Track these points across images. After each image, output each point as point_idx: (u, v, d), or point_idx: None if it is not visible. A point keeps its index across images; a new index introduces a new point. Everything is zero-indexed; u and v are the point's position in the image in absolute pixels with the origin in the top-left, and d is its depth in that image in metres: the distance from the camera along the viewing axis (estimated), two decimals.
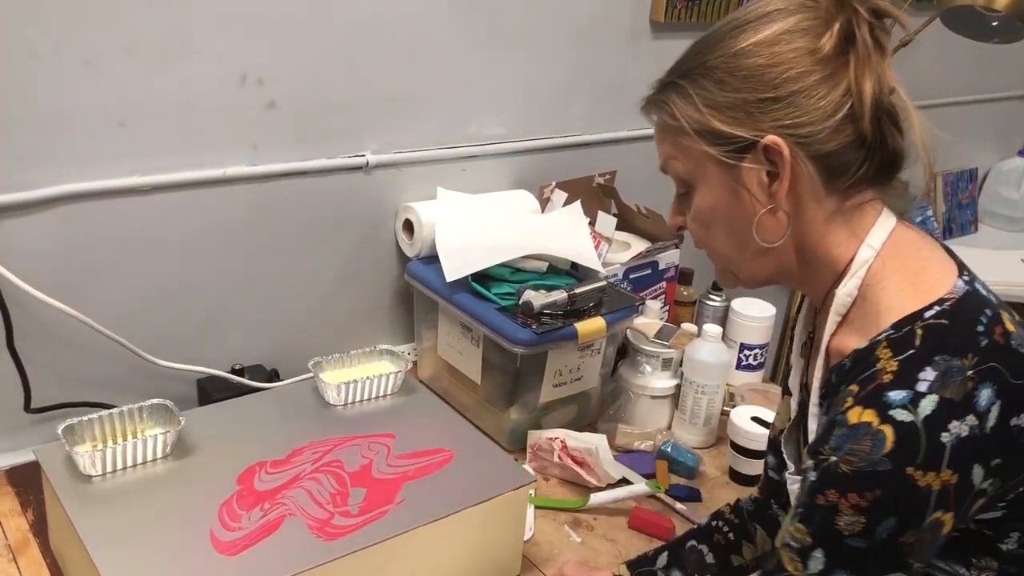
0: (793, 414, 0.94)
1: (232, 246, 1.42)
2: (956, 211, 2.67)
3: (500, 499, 1.11)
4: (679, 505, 1.31)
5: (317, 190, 1.47)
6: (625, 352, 1.54)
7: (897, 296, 0.75)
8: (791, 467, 0.93)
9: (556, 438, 1.35)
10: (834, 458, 0.69)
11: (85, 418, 1.13)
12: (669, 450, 1.40)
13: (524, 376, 1.39)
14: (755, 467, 1.38)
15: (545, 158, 1.75)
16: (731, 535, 1.07)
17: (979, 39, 1.70)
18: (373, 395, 1.33)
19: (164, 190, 1.33)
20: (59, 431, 1.10)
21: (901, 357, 0.71)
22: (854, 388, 0.72)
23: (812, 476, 0.71)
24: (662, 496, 1.33)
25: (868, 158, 0.77)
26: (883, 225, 0.80)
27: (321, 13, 1.38)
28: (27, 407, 1.28)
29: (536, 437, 1.38)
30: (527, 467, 1.32)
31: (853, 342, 0.76)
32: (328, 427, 1.24)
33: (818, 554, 0.71)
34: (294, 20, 1.36)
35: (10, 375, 1.26)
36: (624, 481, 1.35)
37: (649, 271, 1.70)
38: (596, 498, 1.30)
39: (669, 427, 1.51)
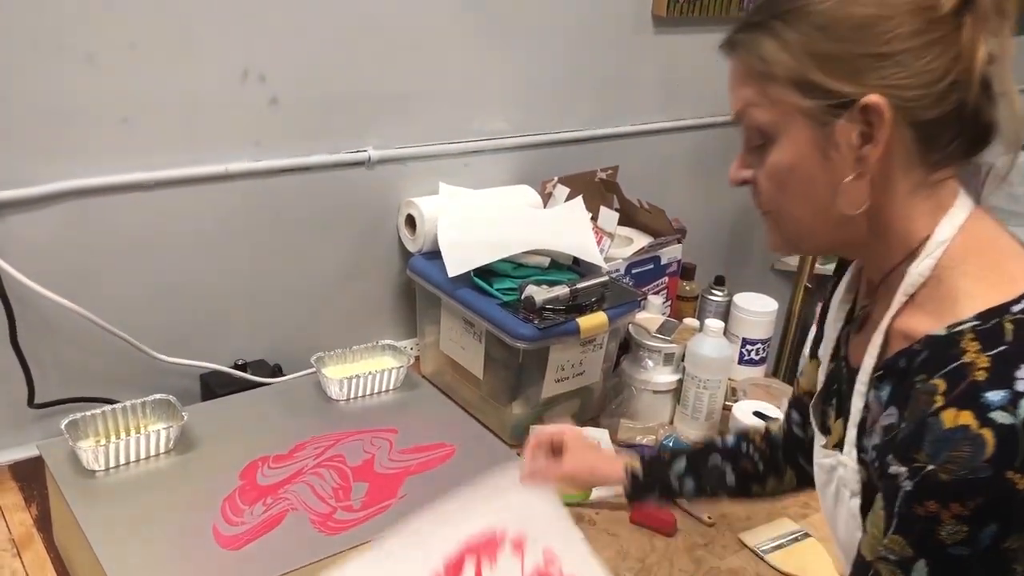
0: (820, 385, 0.91)
1: (234, 242, 1.42)
2: None
3: None
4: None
5: (319, 186, 1.48)
6: (627, 347, 1.55)
7: (978, 284, 0.71)
8: (821, 439, 0.89)
9: None
10: (932, 466, 0.65)
11: (88, 413, 1.14)
12: (671, 445, 1.40)
13: (526, 371, 1.40)
14: None
15: (547, 153, 1.75)
16: (760, 465, 1.04)
17: None
18: (375, 390, 1.34)
19: (167, 186, 1.33)
20: (62, 426, 1.11)
21: (993, 353, 0.66)
22: (940, 384, 0.67)
23: (907, 486, 0.67)
24: None
25: (962, 131, 0.73)
26: (963, 205, 0.75)
27: (323, 9, 1.38)
28: (31, 402, 1.29)
29: None
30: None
31: (924, 326, 0.72)
32: (330, 422, 1.24)
33: (921, 565, 0.67)
34: (296, 16, 1.36)
35: (14, 370, 1.26)
36: None
37: (651, 266, 1.70)
38: (598, 493, 1.30)
39: (671, 422, 1.51)
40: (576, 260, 1.54)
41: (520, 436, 1.42)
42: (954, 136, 0.73)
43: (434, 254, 1.50)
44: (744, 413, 1.38)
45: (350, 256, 1.56)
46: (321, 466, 1.14)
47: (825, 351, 0.90)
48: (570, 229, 1.56)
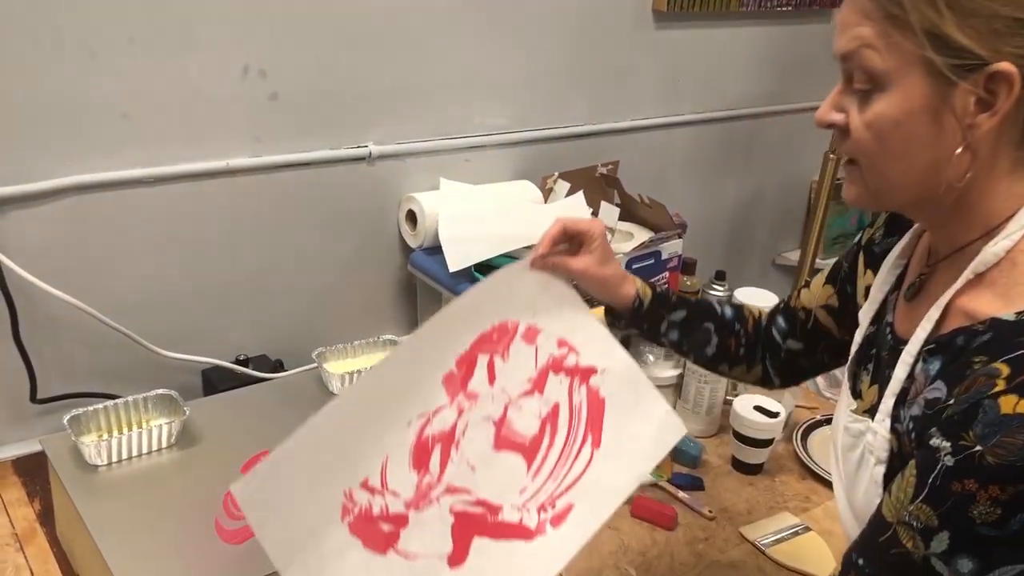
0: (856, 346, 0.89)
1: (236, 237, 1.42)
2: None
3: None
4: (682, 494, 1.32)
5: (320, 181, 1.48)
6: (628, 342, 1.54)
7: None
8: (852, 403, 0.87)
9: None
10: (979, 447, 0.64)
11: (90, 408, 1.14)
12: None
13: None
14: (758, 456, 1.38)
15: (548, 148, 1.75)
16: (742, 351, 1.04)
17: None
18: None
19: (167, 181, 1.33)
20: (65, 421, 1.11)
21: None
22: (1003, 368, 0.65)
23: (949, 461, 0.66)
24: (665, 485, 1.33)
25: None
26: None
27: (323, 4, 1.38)
28: (33, 397, 1.29)
29: None
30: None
31: (991, 308, 0.70)
32: None
33: (944, 536, 0.67)
34: (296, 11, 1.36)
35: (16, 366, 1.27)
36: None
37: (652, 261, 1.70)
38: None
39: None
40: None
41: None
42: None
43: (435, 249, 1.50)
44: (745, 407, 1.38)
45: (351, 251, 1.56)
46: None
47: (866, 313, 0.88)
48: None
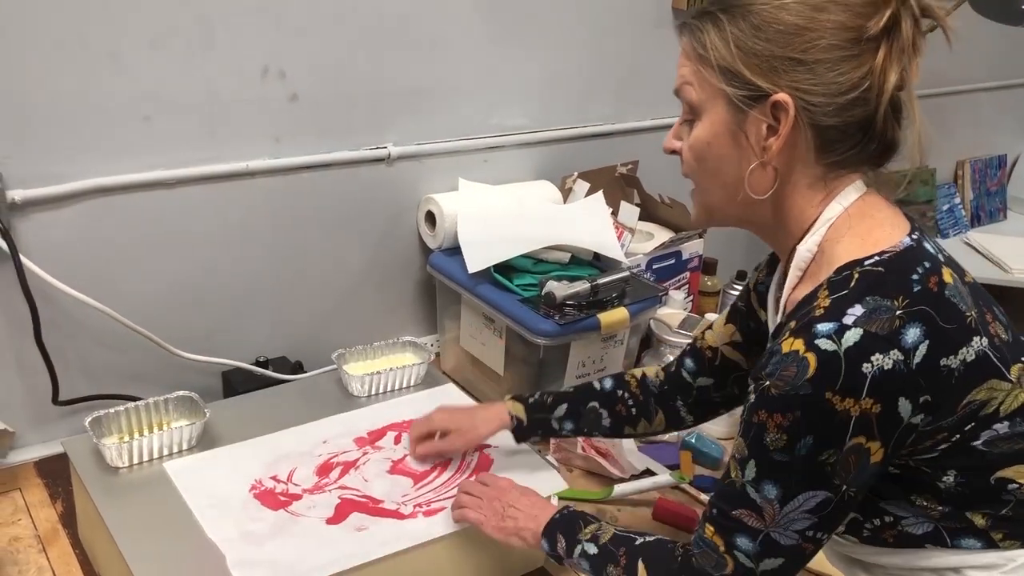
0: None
1: (255, 239, 1.42)
2: (984, 198, 2.63)
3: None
4: (704, 496, 1.30)
5: (339, 182, 1.48)
6: (649, 343, 1.54)
7: (847, 248, 0.80)
8: None
9: None
10: (767, 383, 0.75)
11: (112, 410, 1.15)
12: (693, 441, 1.39)
13: (547, 367, 1.39)
14: None
15: (567, 148, 1.74)
16: (633, 410, 1.12)
17: (1009, 23, 1.67)
18: (397, 387, 1.34)
19: (188, 183, 1.33)
20: (86, 423, 1.11)
21: (835, 296, 0.76)
22: (792, 324, 0.77)
23: (751, 398, 0.78)
24: (686, 487, 1.32)
25: (865, 141, 0.80)
26: (855, 188, 0.83)
27: (342, 5, 1.38)
28: (55, 400, 1.30)
29: None
30: (551, 458, 1.32)
31: (804, 292, 0.81)
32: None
33: (751, 464, 0.78)
34: (316, 12, 1.36)
35: (38, 368, 1.27)
36: (648, 472, 1.34)
37: (672, 261, 1.69)
38: (620, 489, 1.29)
39: None
40: (597, 255, 1.53)
41: None
42: (853, 145, 0.81)
43: (454, 250, 1.49)
44: None
45: (370, 253, 1.56)
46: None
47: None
48: (590, 224, 1.56)
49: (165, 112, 1.28)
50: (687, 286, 1.73)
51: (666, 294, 1.56)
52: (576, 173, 1.68)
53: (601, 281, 1.40)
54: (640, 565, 0.88)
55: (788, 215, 0.84)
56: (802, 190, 0.83)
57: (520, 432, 1.14)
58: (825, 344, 0.73)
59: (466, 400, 1.30)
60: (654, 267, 1.65)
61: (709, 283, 1.78)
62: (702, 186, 0.88)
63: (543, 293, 1.38)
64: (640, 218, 1.66)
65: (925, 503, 0.81)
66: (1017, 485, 0.80)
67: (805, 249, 0.83)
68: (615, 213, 1.63)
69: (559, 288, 1.37)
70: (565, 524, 0.97)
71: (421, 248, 1.61)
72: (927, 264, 0.78)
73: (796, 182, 0.82)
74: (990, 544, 0.81)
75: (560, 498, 1.26)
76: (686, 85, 0.85)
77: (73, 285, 1.25)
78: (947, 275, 0.79)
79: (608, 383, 1.14)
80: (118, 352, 1.34)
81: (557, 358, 1.39)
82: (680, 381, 1.10)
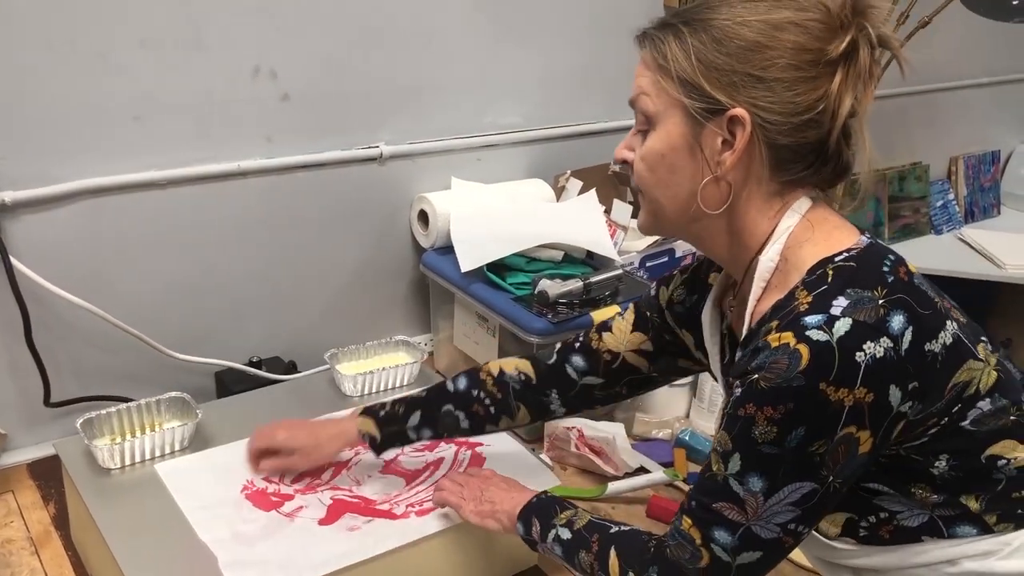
0: (723, 400, 0.95)
1: (248, 239, 1.42)
2: (978, 194, 2.64)
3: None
4: None
5: (332, 182, 1.47)
6: None
7: (812, 251, 0.81)
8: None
9: (573, 427, 1.35)
10: (755, 376, 0.75)
11: (103, 412, 1.14)
12: (687, 438, 1.39)
13: None
14: None
15: (560, 147, 1.74)
16: (492, 409, 1.09)
17: (999, 19, 1.68)
18: (389, 386, 1.33)
19: (180, 184, 1.33)
20: (78, 425, 1.11)
21: (815, 292, 0.76)
22: (775, 323, 0.77)
23: (737, 392, 0.77)
24: (680, 484, 1.32)
25: (819, 163, 0.81)
26: (806, 199, 0.84)
27: (333, 4, 1.38)
28: (47, 401, 1.29)
29: (553, 427, 1.38)
30: (544, 457, 1.31)
31: (773, 299, 0.81)
32: None
33: (736, 457, 0.77)
34: (306, 12, 1.36)
35: (30, 370, 1.27)
36: (642, 470, 1.34)
37: (666, 259, 1.69)
38: (614, 487, 1.29)
39: (687, 415, 1.50)
40: (590, 254, 1.53)
41: (535, 431, 1.41)
42: (807, 166, 0.81)
43: (447, 249, 1.49)
44: None
45: (363, 252, 1.56)
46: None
47: (715, 365, 0.97)
48: (583, 222, 1.56)
49: (156, 113, 1.28)
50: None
51: None
52: (569, 171, 1.68)
53: (594, 279, 1.40)
54: (612, 553, 0.88)
55: (743, 229, 0.84)
56: (757, 204, 0.83)
57: (376, 447, 1.10)
58: (817, 335, 0.73)
59: None
60: (647, 265, 1.65)
61: None
62: (652, 196, 0.87)
63: (536, 292, 1.38)
64: (633, 216, 1.66)
65: (920, 492, 0.81)
66: (1006, 460, 0.81)
67: (768, 259, 0.82)
68: (608, 211, 1.62)
69: (552, 286, 1.37)
70: (541, 508, 0.97)
71: (414, 247, 1.61)
72: (891, 257, 0.80)
73: (750, 197, 0.83)
74: (985, 530, 0.81)
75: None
76: (643, 96, 0.85)
77: (65, 286, 1.25)
78: (910, 266, 0.80)
79: (462, 383, 1.10)
80: (110, 353, 1.34)
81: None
82: (562, 376, 1.07)
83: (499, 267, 1.44)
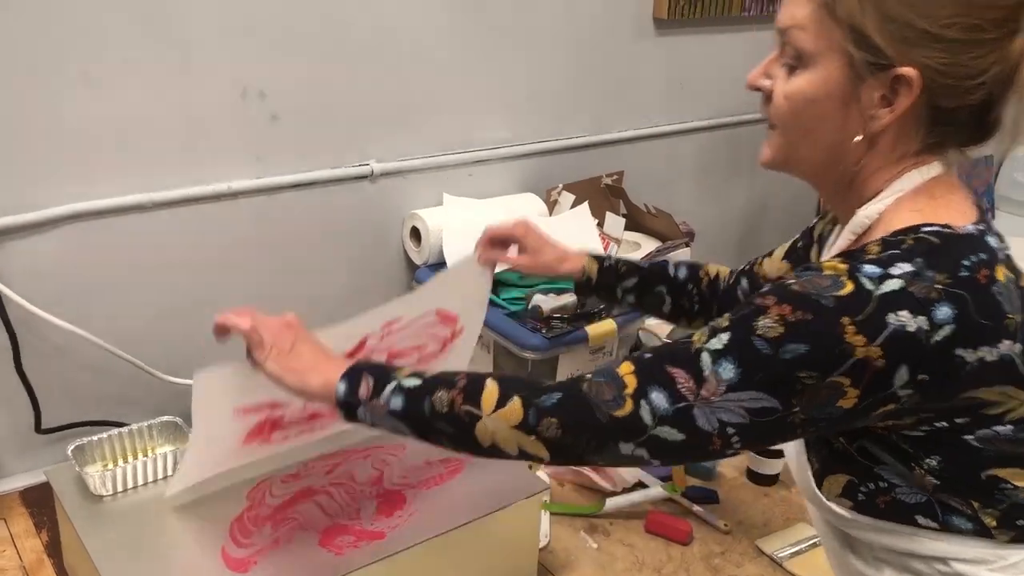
0: None
1: (239, 259, 1.41)
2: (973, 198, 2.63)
3: (513, 507, 1.10)
4: (696, 507, 1.29)
5: (323, 201, 1.47)
6: None
7: (908, 217, 0.77)
8: None
9: None
10: (791, 279, 0.73)
11: (95, 438, 1.13)
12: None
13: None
14: (773, 467, 1.36)
15: (551, 160, 1.73)
16: (696, 307, 1.12)
17: None
18: None
19: (169, 206, 1.32)
20: (69, 452, 1.10)
21: (886, 252, 0.74)
22: (837, 259, 0.75)
23: (765, 287, 0.75)
24: (679, 499, 1.31)
25: (973, 126, 0.77)
26: (934, 167, 0.79)
27: (320, 22, 1.38)
28: (38, 428, 1.28)
29: None
30: (541, 473, 1.30)
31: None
32: (338, 439, 1.23)
33: (724, 336, 0.73)
34: (293, 32, 1.36)
35: (20, 396, 1.26)
36: (640, 484, 1.33)
37: None
38: (612, 502, 1.28)
39: None
40: None
41: None
42: (959, 128, 0.77)
43: (440, 265, 1.49)
44: None
45: (356, 270, 1.55)
46: (330, 485, 1.13)
47: None
48: (577, 236, 1.55)
49: (144, 135, 1.27)
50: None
51: None
52: (561, 185, 1.68)
53: None
54: (488, 382, 0.79)
55: (865, 182, 0.80)
56: (888, 162, 0.78)
57: (581, 289, 1.15)
58: (866, 282, 0.71)
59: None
60: None
61: None
62: (789, 138, 0.81)
63: (530, 306, 1.37)
64: (627, 228, 1.66)
65: (919, 472, 0.77)
66: (1012, 486, 0.77)
67: (864, 215, 0.79)
68: (601, 224, 1.62)
69: (546, 301, 1.36)
70: (376, 367, 0.85)
71: (407, 264, 1.60)
72: (983, 256, 0.74)
73: (887, 152, 0.78)
74: (982, 531, 0.77)
75: (551, 513, 1.25)
76: (797, 29, 0.77)
77: (54, 312, 1.24)
78: (1000, 272, 0.74)
79: (683, 273, 1.14)
80: (102, 378, 1.33)
81: (546, 372, 1.38)
82: (735, 299, 1.08)
83: (493, 282, 1.43)
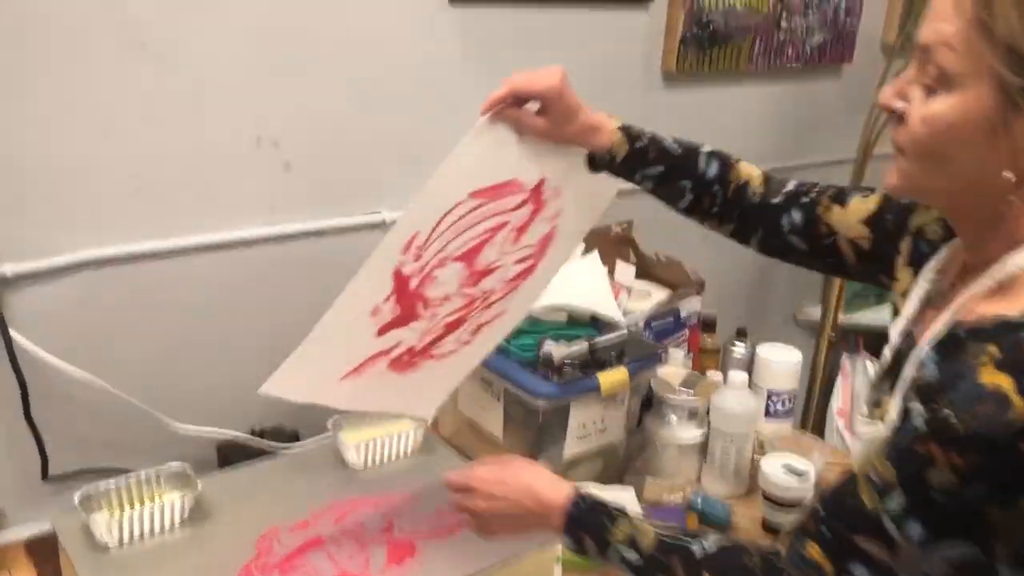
0: (886, 362, 0.86)
1: (251, 307, 1.41)
2: None
3: (526, 559, 1.08)
4: None
5: (335, 249, 1.47)
6: (650, 403, 1.51)
7: None
8: (866, 411, 0.87)
9: None
10: (950, 412, 0.64)
11: (102, 486, 1.12)
12: (699, 503, 1.36)
13: (547, 430, 1.36)
14: (789, 517, 1.33)
15: None
16: (715, 209, 1.03)
17: None
18: (393, 455, 1.31)
19: (182, 254, 1.33)
20: (75, 501, 1.09)
21: None
22: (993, 349, 0.65)
23: (919, 423, 0.66)
24: None
25: None
26: None
27: (333, 73, 1.39)
28: (44, 475, 1.27)
29: None
30: None
31: (998, 309, 0.70)
32: (348, 488, 1.22)
33: (898, 496, 0.68)
34: (307, 81, 1.37)
35: (27, 444, 1.25)
36: None
37: (671, 319, 1.67)
38: None
39: (698, 478, 1.47)
40: (594, 316, 1.52)
41: None
42: None
43: None
44: (773, 468, 1.34)
45: None
46: (340, 533, 1.11)
47: (896, 327, 0.85)
48: (587, 284, 1.55)
49: (158, 183, 1.28)
50: (686, 344, 1.71)
51: (665, 351, 1.55)
52: None
53: (600, 341, 1.39)
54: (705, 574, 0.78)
55: (1007, 220, 0.72)
56: None
57: (598, 164, 1.03)
58: None
59: None
60: (653, 325, 1.64)
61: (709, 341, 1.76)
62: (923, 165, 0.73)
63: (541, 354, 1.36)
64: (637, 276, 1.66)
65: None
66: None
67: (1014, 264, 0.70)
68: (611, 272, 1.62)
69: (557, 349, 1.35)
70: (587, 523, 0.90)
71: None
72: None
73: None
74: None
75: (564, 564, 1.23)
76: (944, 48, 0.68)
77: (65, 358, 1.23)
78: None
79: (713, 170, 1.02)
80: (111, 424, 1.32)
81: (557, 420, 1.36)
82: (775, 224, 1.00)
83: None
